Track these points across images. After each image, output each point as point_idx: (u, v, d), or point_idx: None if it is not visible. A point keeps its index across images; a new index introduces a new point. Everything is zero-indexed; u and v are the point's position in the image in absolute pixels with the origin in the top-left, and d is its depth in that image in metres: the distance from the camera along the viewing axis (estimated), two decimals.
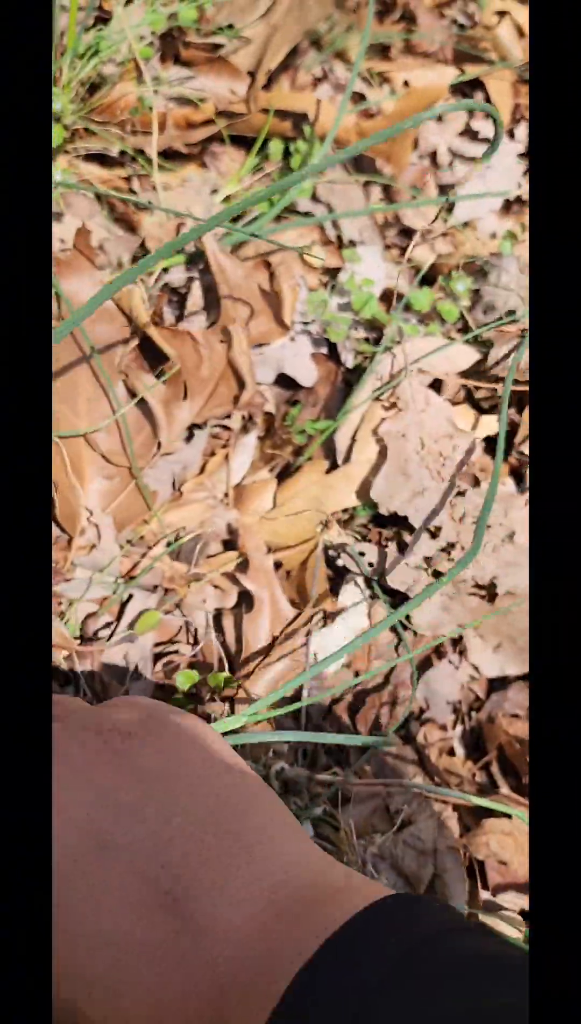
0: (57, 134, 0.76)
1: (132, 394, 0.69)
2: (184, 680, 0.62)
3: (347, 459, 0.72)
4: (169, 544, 0.67)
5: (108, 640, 0.63)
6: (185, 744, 0.35)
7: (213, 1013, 0.28)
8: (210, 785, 0.33)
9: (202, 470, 0.70)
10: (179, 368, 0.68)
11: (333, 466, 0.72)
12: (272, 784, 0.59)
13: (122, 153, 0.85)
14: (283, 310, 0.75)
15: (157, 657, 0.64)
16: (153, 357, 0.72)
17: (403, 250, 0.94)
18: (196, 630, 0.67)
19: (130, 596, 0.64)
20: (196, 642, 0.67)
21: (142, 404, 0.69)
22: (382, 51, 1.08)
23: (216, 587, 0.67)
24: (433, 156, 1.00)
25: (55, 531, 0.66)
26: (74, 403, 0.68)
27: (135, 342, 0.72)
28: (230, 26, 0.94)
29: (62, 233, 0.78)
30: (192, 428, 0.71)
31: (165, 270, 0.80)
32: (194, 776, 0.34)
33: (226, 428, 0.74)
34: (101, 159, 0.86)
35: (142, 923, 0.30)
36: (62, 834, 0.31)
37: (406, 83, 1.04)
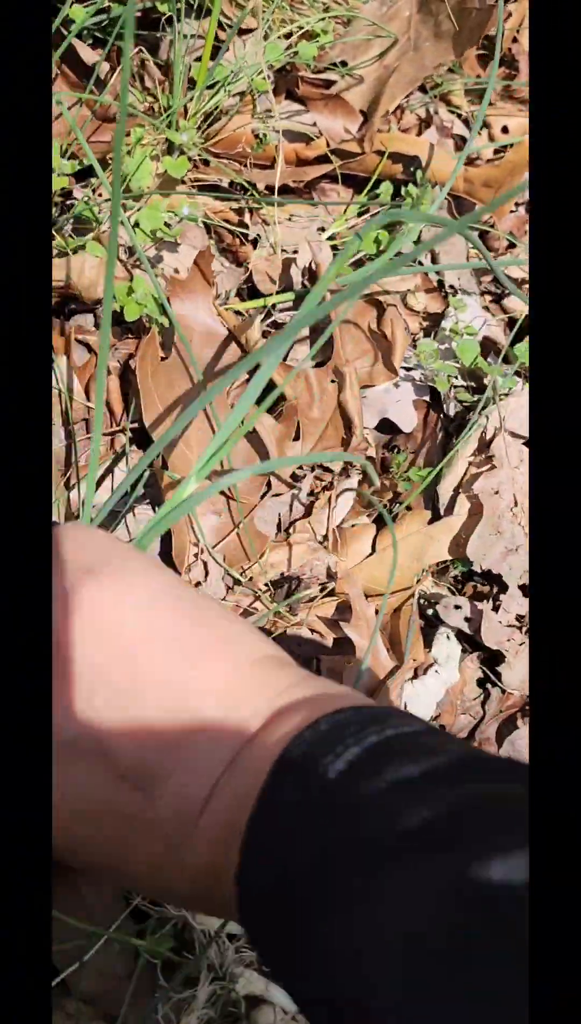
0: (182, 165, 0.77)
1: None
2: None
3: (450, 510, 0.73)
4: (271, 585, 0.68)
5: None
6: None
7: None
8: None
9: (307, 512, 0.72)
10: (293, 407, 0.70)
11: (435, 516, 0.73)
12: None
13: (233, 184, 0.87)
14: (394, 354, 0.76)
15: None
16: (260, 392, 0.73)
17: (498, 298, 0.95)
18: None
19: None
20: None
21: (253, 438, 0.71)
22: (481, 96, 1.09)
23: (313, 631, 0.68)
24: None
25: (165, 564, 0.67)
26: (186, 436, 0.69)
27: (245, 376, 0.74)
28: (344, 63, 0.95)
29: (176, 262, 0.80)
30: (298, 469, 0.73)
31: (273, 307, 0.81)
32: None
33: (327, 470, 0.75)
34: (213, 190, 0.87)
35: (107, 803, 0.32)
36: None
37: (505, 129, 1.06)
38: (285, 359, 0.76)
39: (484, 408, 0.79)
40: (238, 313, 0.79)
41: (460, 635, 0.73)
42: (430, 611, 0.74)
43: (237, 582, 0.67)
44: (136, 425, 0.71)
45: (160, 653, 0.33)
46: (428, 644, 0.72)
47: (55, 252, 0.75)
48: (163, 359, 0.70)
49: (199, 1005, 0.50)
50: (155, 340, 0.69)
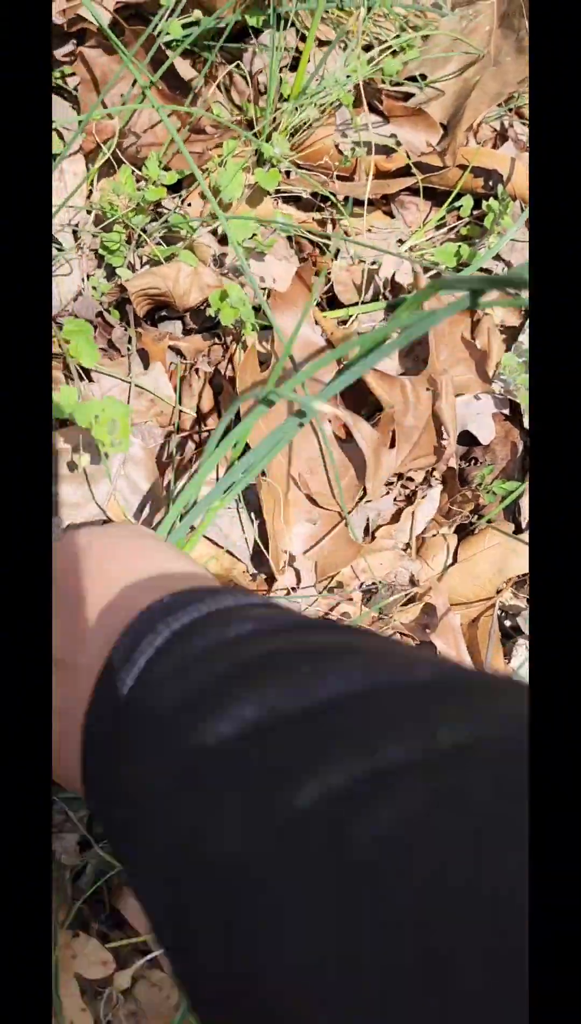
0: (273, 177, 0.79)
1: (336, 437, 0.72)
2: None
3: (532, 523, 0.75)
4: (364, 590, 0.70)
5: None
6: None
7: None
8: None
9: (395, 518, 0.73)
10: (390, 415, 0.72)
11: (517, 529, 0.75)
12: None
13: (314, 195, 0.89)
14: (488, 363, 0.78)
15: None
16: (351, 401, 0.75)
17: None
18: None
19: None
20: None
21: (345, 444, 0.73)
22: None
23: (403, 635, 0.70)
24: None
25: (254, 569, 0.69)
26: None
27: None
28: (423, 76, 0.97)
29: (263, 271, 0.82)
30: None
31: (356, 317, 0.83)
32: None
33: (411, 479, 0.76)
34: (296, 200, 0.89)
35: None
36: None
37: None
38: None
39: None
40: (343, 322, 0.81)
41: None
42: (508, 622, 0.76)
43: (329, 590, 0.69)
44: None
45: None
46: (508, 655, 0.74)
47: (146, 260, 0.78)
48: (262, 366, 0.72)
49: None
50: (254, 354, 0.71)
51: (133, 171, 0.76)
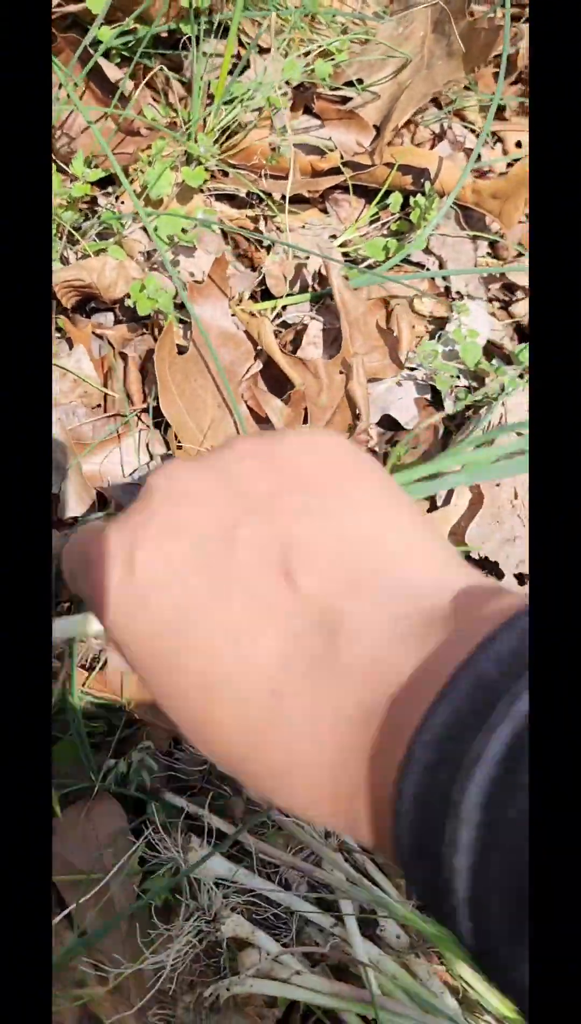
0: (199, 175, 0.84)
1: (255, 417, 0.76)
2: None
3: (447, 502, 0.78)
4: None
5: None
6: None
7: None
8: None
9: None
10: (300, 393, 0.75)
11: (432, 507, 0.78)
12: None
13: (250, 195, 0.93)
14: (400, 349, 0.81)
15: None
16: (272, 385, 0.79)
17: (505, 304, 1.00)
18: None
19: None
20: None
21: (262, 424, 0.76)
22: (497, 111, 1.15)
23: None
24: None
25: None
26: (200, 420, 0.75)
27: (258, 367, 0.80)
28: (359, 80, 1.02)
29: (192, 266, 0.86)
30: None
31: (284, 308, 0.87)
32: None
33: None
34: (231, 199, 0.94)
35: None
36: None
37: (518, 143, 1.11)
38: (295, 354, 0.82)
39: (485, 407, 0.84)
40: (253, 314, 0.85)
41: None
42: None
43: None
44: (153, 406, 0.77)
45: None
46: None
47: (79, 255, 0.82)
48: (180, 352, 0.76)
49: (182, 937, 0.55)
50: (172, 333, 0.75)
51: (62, 169, 0.81)
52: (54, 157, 0.81)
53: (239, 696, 0.30)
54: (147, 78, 0.87)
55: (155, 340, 0.80)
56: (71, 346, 0.77)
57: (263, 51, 1.00)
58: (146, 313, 0.75)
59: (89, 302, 0.82)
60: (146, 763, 0.63)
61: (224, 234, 0.93)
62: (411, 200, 0.95)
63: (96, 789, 0.61)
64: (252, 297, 0.90)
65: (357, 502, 0.32)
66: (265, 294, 0.91)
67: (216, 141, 0.91)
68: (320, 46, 0.99)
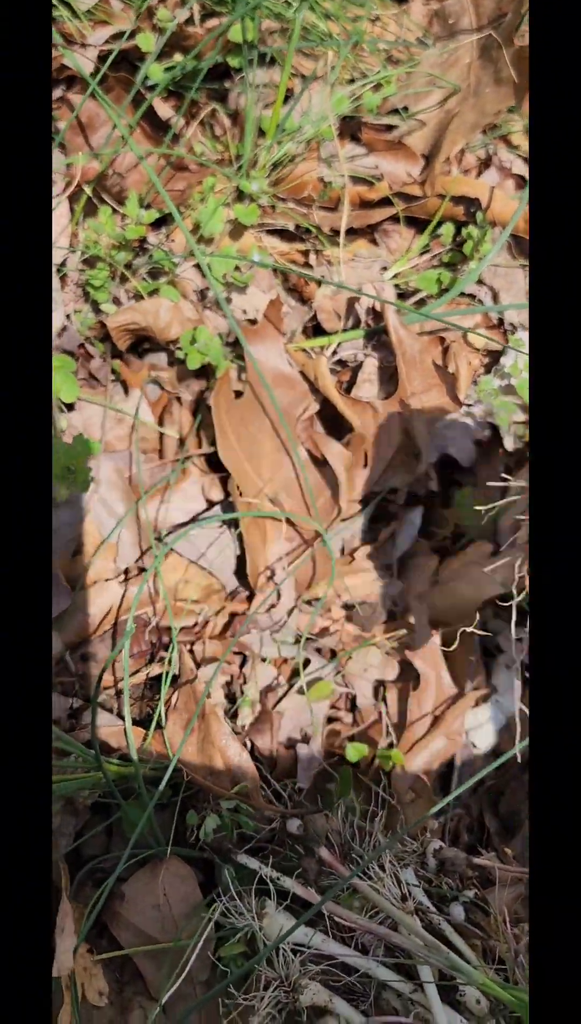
0: (252, 213, 0.83)
1: (313, 460, 0.75)
2: (354, 753, 0.66)
3: (512, 544, 0.77)
4: (345, 607, 0.73)
5: (277, 703, 0.68)
6: None
7: None
8: None
9: (375, 539, 0.76)
10: (359, 436, 0.74)
11: (496, 550, 0.77)
12: (428, 862, 0.63)
13: (298, 228, 0.92)
14: (459, 387, 0.80)
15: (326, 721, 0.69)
16: (329, 426, 0.78)
17: None
18: (354, 698, 0.71)
19: (307, 661, 0.69)
20: (354, 709, 0.71)
21: (321, 468, 0.75)
22: None
23: (386, 653, 0.72)
24: None
25: (234, 584, 0.72)
26: (258, 465, 0.74)
27: (314, 408, 0.79)
28: (405, 108, 1.01)
29: (245, 304, 0.85)
30: (365, 497, 0.77)
31: (339, 344, 0.86)
32: None
33: (391, 502, 0.79)
34: (280, 233, 0.93)
35: None
36: None
37: None
38: (349, 394, 0.81)
39: None
40: (305, 351, 0.84)
41: (522, 666, 0.76)
42: (489, 643, 0.77)
43: (307, 603, 0.71)
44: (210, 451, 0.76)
45: None
46: (489, 676, 0.75)
47: (131, 295, 0.81)
48: (236, 396, 0.75)
49: (262, 1009, 0.53)
50: (229, 378, 0.74)
51: (115, 210, 0.80)
52: (106, 197, 0.81)
53: None
54: (200, 116, 0.87)
55: (208, 381, 0.79)
56: (126, 390, 0.76)
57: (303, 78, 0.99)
58: (195, 367, 0.74)
59: (143, 343, 0.81)
60: (227, 821, 0.61)
61: (274, 270, 0.92)
62: (463, 231, 0.94)
63: (168, 853, 0.60)
64: (304, 332, 0.89)
65: None
66: (317, 329, 0.90)
67: (266, 176, 0.90)
68: (366, 75, 0.99)
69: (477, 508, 0.79)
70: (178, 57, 0.86)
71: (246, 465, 0.73)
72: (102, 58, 0.84)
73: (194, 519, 0.73)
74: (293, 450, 0.73)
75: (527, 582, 0.78)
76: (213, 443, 0.74)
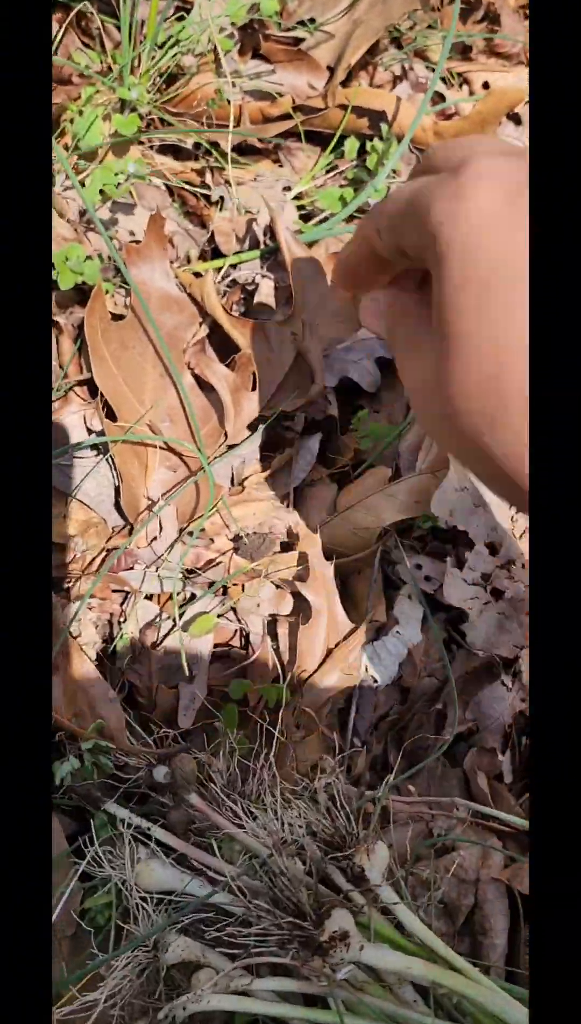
0: (132, 123, 0.77)
1: (202, 386, 0.70)
2: (237, 689, 0.62)
3: (411, 468, 0.72)
4: (234, 540, 0.68)
5: (160, 640, 0.63)
6: None
7: None
8: None
9: (265, 468, 0.71)
10: (246, 356, 0.69)
11: (396, 474, 0.72)
12: (319, 799, 0.59)
13: (196, 146, 0.86)
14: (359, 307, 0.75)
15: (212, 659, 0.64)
16: (220, 350, 0.73)
17: None
18: (248, 635, 0.67)
19: (192, 595, 0.64)
20: (247, 645, 0.67)
21: (209, 394, 0.70)
22: (463, 51, 1.08)
23: (277, 586, 0.67)
24: None
25: (117, 519, 0.67)
26: (140, 391, 0.69)
27: (204, 332, 0.73)
28: (312, 20, 0.94)
29: (132, 225, 0.79)
30: (255, 422, 0.72)
31: (233, 266, 0.80)
32: None
33: (288, 428, 0.74)
34: (175, 151, 0.87)
35: None
36: None
37: (486, 84, 1.04)
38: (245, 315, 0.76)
39: None
40: (197, 274, 0.78)
41: (424, 596, 0.71)
42: (391, 573, 0.73)
43: (190, 534, 0.66)
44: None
45: None
46: (390, 606, 0.71)
47: None
48: (115, 318, 0.70)
49: (118, 971, 0.49)
50: (102, 299, 0.68)
51: None
52: None
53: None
54: (70, 17, 0.80)
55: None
56: None
57: None
58: (68, 287, 0.69)
59: None
60: (99, 764, 0.57)
61: (170, 191, 0.86)
62: (368, 145, 0.88)
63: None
64: (202, 256, 0.84)
65: None
66: (216, 253, 0.84)
67: (155, 88, 0.83)
68: None
69: (375, 429, 0.74)
70: None
71: (126, 390, 0.68)
72: None
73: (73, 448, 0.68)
74: (175, 374, 0.68)
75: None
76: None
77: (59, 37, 0.80)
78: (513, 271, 0.34)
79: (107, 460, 0.68)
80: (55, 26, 0.80)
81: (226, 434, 0.69)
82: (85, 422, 0.70)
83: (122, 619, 0.64)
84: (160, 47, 0.83)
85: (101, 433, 0.68)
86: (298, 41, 0.95)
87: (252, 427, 0.72)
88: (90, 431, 0.69)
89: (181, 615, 0.64)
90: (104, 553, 0.65)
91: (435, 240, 0.36)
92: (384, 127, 0.87)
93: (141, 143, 0.83)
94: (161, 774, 0.57)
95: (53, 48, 0.81)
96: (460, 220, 0.36)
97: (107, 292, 0.72)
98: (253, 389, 0.70)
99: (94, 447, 0.68)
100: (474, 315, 0.35)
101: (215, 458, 0.70)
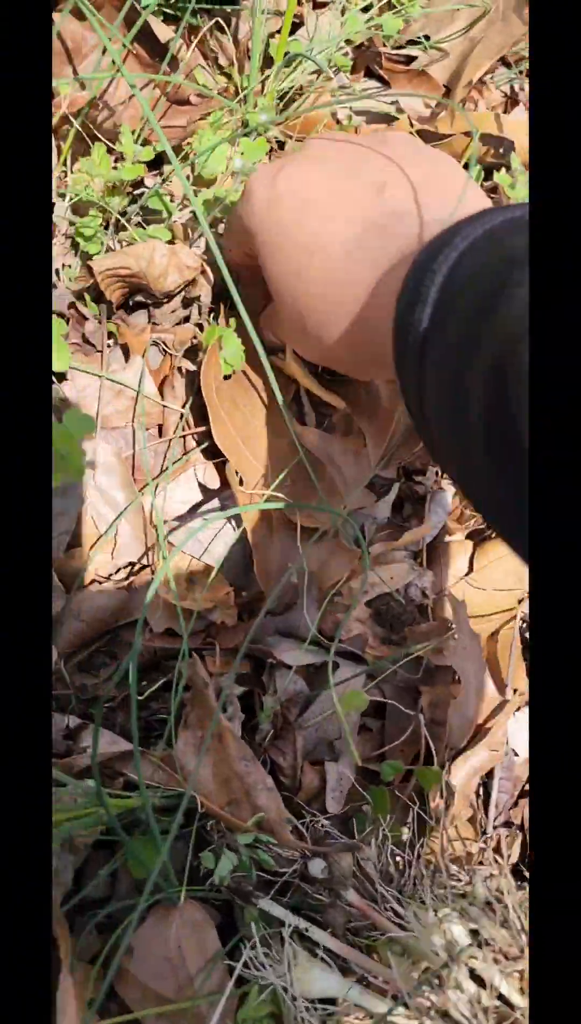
0: (261, 147, 0.72)
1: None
2: (389, 771, 0.58)
3: None
4: (367, 604, 0.64)
5: (305, 714, 0.59)
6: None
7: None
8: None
9: (396, 525, 0.67)
10: (344, 416, 0.65)
11: None
12: (477, 892, 0.54)
13: None
14: None
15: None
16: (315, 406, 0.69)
17: None
18: (387, 707, 0.63)
19: (336, 665, 0.60)
20: (384, 718, 0.63)
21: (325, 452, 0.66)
22: None
23: (416, 655, 0.63)
24: None
25: (246, 581, 0.63)
26: (256, 450, 0.65)
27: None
28: (427, 37, 0.89)
29: None
30: (382, 479, 0.68)
31: None
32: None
33: (418, 483, 0.70)
34: None
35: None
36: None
37: None
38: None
39: None
40: None
41: None
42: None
43: (327, 599, 0.62)
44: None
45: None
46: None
47: (125, 244, 0.70)
48: (226, 378, 0.65)
49: None
50: (217, 355, 0.64)
51: (110, 148, 0.69)
52: (97, 133, 0.70)
53: (326, 254, 0.50)
54: (199, 39, 0.75)
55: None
56: (127, 356, 0.66)
57: (319, 6, 0.87)
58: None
59: (134, 295, 0.71)
60: (245, 860, 0.53)
61: None
62: (494, 175, 0.83)
63: (182, 898, 0.51)
64: None
65: (438, 173, 0.51)
66: None
67: (276, 109, 0.79)
68: (384, 0, 0.87)
69: None
70: None
71: (244, 451, 0.63)
72: None
73: (194, 509, 0.64)
74: (293, 433, 0.63)
75: None
76: (206, 422, 0.64)
77: (185, 54, 0.75)
78: (283, 230, 0.52)
79: (231, 521, 0.63)
80: (172, 34, 0.75)
81: (349, 493, 0.65)
82: (195, 477, 0.65)
83: (261, 692, 0.59)
84: (286, 67, 0.78)
85: (224, 495, 0.63)
86: (410, 59, 0.90)
87: (374, 484, 0.68)
88: (205, 489, 0.65)
89: (326, 684, 0.60)
90: (237, 620, 0.61)
91: (252, 234, 0.55)
92: (513, 158, 0.82)
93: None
94: (318, 868, 0.53)
95: (171, 64, 0.76)
96: (250, 212, 0.55)
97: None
98: (364, 446, 0.66)
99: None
100: (275, 262, 0.53)
101: (344, 519, 0.65)
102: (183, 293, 0.70)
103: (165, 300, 0.71)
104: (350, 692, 0.58)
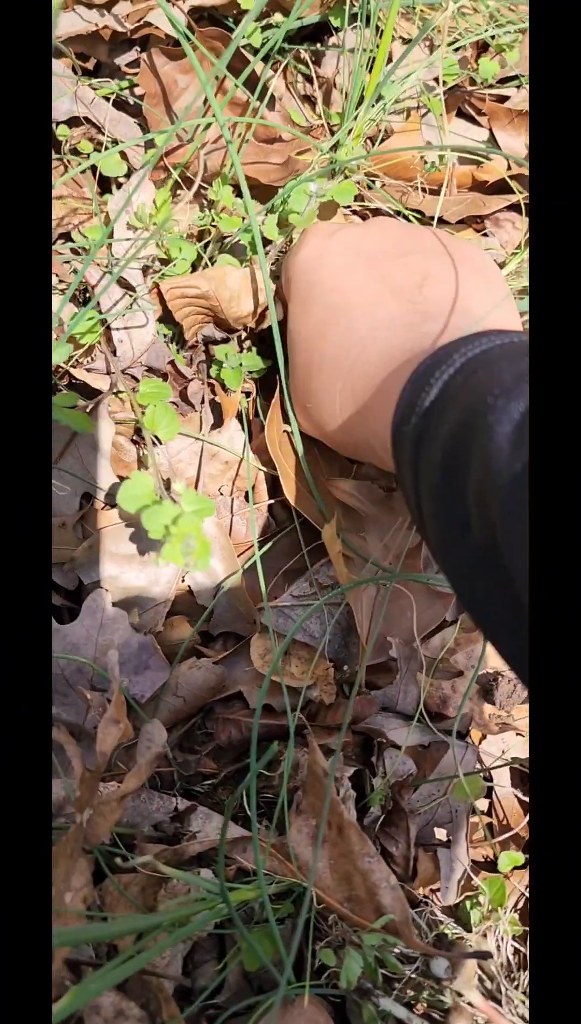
0: (349, 190, 0.69)
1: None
2: (507, 862, 0.55)
3: None
4: (477, 682, 0.61)
5: (415, 797, 0.56)
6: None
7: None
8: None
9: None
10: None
11: None
12: None
13: (398, 213, 0.79)
14: None
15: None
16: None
17: None
18: (492, 790, 0.60)
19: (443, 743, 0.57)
20: (489, 797, 0.60)
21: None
22: None
23: (520, 735, 0.60)
24: None
25: (345, 657, 0.60)
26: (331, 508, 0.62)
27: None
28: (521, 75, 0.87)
29: None
30: None
31: None
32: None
33: None
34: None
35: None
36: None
37: None
38: None
39: None
40: None
41: None
42: None
43: (432, 669, 0.59)
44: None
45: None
46: None
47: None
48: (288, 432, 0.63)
49: None
50: (277, 412, 0.61)
51: (205, 199, 0.67)
52: (194, 178, 0.67)
53: (351, 321, 0.52)
54: (276, 78, 0.72)
55: None
56: (220, 418, 0.63)
57: (405, 42, 0.85)
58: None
59: (207, 323, 0.68)
60: (370, 961, 0.50)
61: None
62: None
63: (306, 998, 0.48)
64: None
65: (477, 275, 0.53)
66: None
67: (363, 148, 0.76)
68: (478, 35, 0.84)
69: None
70: (277, 17, 0.72)
71: (317, 513, 0.61)
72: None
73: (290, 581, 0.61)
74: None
75: None
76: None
77: (269, 91, 0.72)
78: (319, 287, 0.54)
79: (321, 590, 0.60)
80: (271, 73, 0.73)
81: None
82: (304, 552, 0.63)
83: (381, 772, 0.57)
84: (373, 106, 0.75)
85: (313, 568, 0.61)
86: (503, 99, 0.87)
87: None
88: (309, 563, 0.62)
89: (431, 762, 0.57)
90: (336, 697, 0.58)
91: (289, 279, 0.57)
92: None
93: (345, 209, 0.76)
94: (441, 968, 0.50)
95: (270, 101, 0.74)
96: (292, 264, 0.57)
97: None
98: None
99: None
100: (303, 312, 0.54)
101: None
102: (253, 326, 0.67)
103: (238, 330, 0.68)
104: (468, 778, 0.55)
